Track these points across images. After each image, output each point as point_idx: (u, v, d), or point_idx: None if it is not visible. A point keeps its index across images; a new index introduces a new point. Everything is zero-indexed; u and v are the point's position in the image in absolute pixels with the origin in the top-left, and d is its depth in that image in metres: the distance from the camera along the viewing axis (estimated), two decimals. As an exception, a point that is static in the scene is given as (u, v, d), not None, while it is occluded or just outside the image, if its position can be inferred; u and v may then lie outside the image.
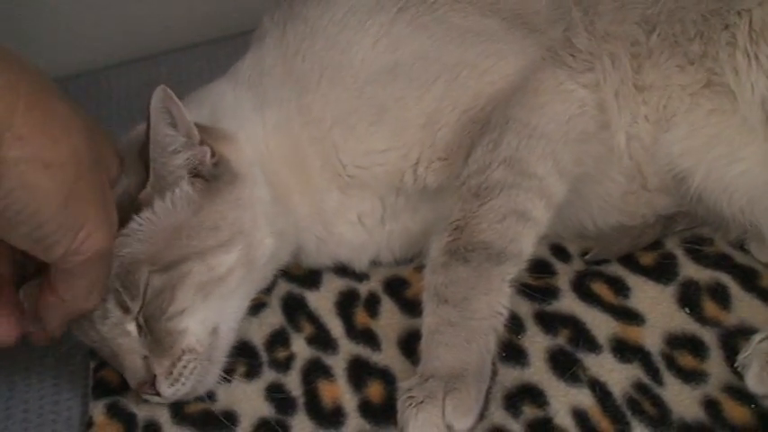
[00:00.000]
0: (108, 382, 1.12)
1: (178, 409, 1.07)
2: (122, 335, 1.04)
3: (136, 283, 1.02)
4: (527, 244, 1.08)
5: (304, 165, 1.16)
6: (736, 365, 1.05)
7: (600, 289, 1.16)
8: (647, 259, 1.20)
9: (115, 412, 1.08)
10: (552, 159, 1.10)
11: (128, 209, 1.03)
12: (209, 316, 1.07)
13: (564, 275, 1.19)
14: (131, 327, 1.04)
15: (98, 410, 1.08)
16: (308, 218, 1.18)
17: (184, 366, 1.04)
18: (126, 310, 1.03)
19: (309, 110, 1.15)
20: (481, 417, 1.01)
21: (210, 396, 1.08)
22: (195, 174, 1.07)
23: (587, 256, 1.21)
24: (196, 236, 1.06)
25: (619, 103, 1.16)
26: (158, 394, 1.04)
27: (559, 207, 1.12)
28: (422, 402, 0.98)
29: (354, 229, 1.20)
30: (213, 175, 1.09)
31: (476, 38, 1.15)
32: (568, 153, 1.11)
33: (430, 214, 1.18)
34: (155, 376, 1.04)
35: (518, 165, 1.08)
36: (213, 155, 1.09)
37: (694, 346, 1.08)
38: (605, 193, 1.20)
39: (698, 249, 1.20)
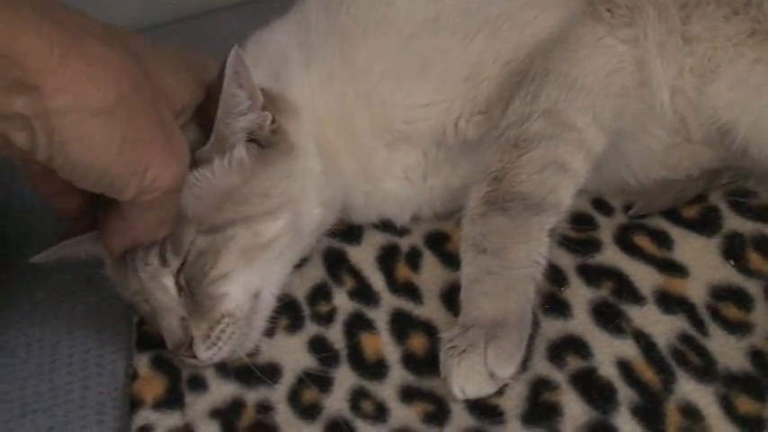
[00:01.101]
0: (151, 335, 1.12)
1: (222, 363, 1.07)
2: (161, 290, 1.04)
3: (180, 240, 1.02)
4: (566, 195, 1.07)
5: (351, 124, 1.15)
6: (782, 317, 1.04)
7: (643, 242, 1.16)
8: (690, 212, 1.19)
9: (159, 365, 1.09)
10: (592, 112, 1.09)
11: None
12: (252, 281, 1.07)
13: (606, 228, 1.18)
14: (169, 282, 1.04)
15: (142, 363, 1.09)
16: (355, 176, 1.17)
17: (222, 331, 1.04)
18: (164, 262, 1.03)
19: (354, 63, 1.14)
20: (524, 366, 1.02)
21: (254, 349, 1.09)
22: (251, 139, 1.07)
23: (631, 212, 1.20)
24: (245, 201, 1.05)
25: (663, 56, 1.14)
26: (195, 357, 1.04)
27: (598, 160, 1.11)
28: (464, 351, 0.99)
29: (401, 183, 1.19)
30: (269, 143, 1.08)
31: None
32: (608, 106, 1.11)
33: (470, 170, 1.16)
34: (192, 339, 1.04)
35: (557, 116, 1.08)
36: (273, 122, 1.08)
37: (739, 297, 1.07)
38: (647, 149, 1.19)
39: (742, 202, 1.18)
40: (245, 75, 1.03)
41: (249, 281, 1.06)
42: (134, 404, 1.05)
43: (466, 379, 0.99)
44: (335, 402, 1.03)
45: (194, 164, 1.03)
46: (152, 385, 1.07)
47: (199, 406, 1.04)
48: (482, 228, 1.05)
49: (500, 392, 1.01)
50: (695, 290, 1.09)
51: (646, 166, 1.21)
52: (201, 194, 1.03)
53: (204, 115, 1.04)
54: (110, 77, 0.85)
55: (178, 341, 1.04)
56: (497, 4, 1.14)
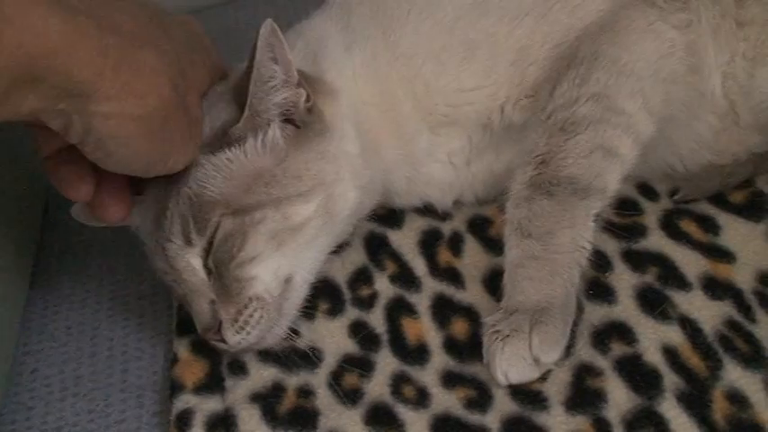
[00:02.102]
0: (192, 319, 1.11)
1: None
2: (188, 270, 1.03)
3: (205, 221, 1.01)
4: (612, 180, 1.06)
5: (393, 107, 1.13)
6: (831, 303, 1.02)
7: (689, 227, 1.14)
8: (737, 197, 1.17)
9: (200, 349, 1.08)
10: (641, 97, 1.07)
11: (220, 143, 1.03)
12: (283, 265, 1.05)
13: (652, 214, 1.17)
14: (197, 263, 1.03)
15: (183, 347, 1.09)
16: (397, 160, 1.16)
17: (251, 315, 1.02)
18: (188, 241, 1.02)
19: (398, 45, 1.12)
20: (568, 352, 1.01)
21: (294, 332, 1.07)
22: (287, 119, 1.05)
23: (676, 197, 1.19)
24: (276, 184, 1.03)
25: (717, 41, 1.13)
26: (224, 341, 1.03)
27: (646, 145, 1.09)
28: (508, 336, 0.98)
29: (444, 168, 1.18)
30: (304, 122, 1.06)
31: None
32: (658, 92, 1.09)
33: (513, 155, 1.15)
34: (220, 322, 1.02)
35: (606, 100, 1.06)
36: (308, 100, 1.06)
37: (788, 283, 1.06)
38: (696, 134, 1.18)
39: (790, 187, 1.17)
40: (280, 48, 1.01)
41: (279, 265, 1.05)
42: (175, 388, 1.05)
43: (509, 364, 0.98)
44: (377, 387, 1.03)
45: (228, 143, 1.03)
46: (192, 369, 1.06)
47: (239, 390, 1.04)
48: (527, 212, 1.03)
49: (543, 378, 0.99)
50: (742, 275, 1.07)
51: (694, 151, 1.20)
52: (232, 176, 1.02)
53: (241, 93, 1.04)
54: (153, 86, 0.88)
55: (207, 324, 1.03)
56: None
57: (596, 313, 1.05)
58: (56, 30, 0.78)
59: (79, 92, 0.81)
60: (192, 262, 1.03)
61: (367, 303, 1.13)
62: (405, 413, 0.99)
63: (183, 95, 0.93)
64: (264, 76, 1.01)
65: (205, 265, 1.03)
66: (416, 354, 1.06)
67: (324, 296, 1.12)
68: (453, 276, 1.14)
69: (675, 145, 1.19)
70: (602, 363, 1.00)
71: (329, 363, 1.06)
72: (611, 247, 1.12)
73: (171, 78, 0.90)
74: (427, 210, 1.23)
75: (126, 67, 0.85)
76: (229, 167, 1.02)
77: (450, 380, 1.02)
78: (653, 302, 1.05)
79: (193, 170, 1.01)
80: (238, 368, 1.06)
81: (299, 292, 1.08)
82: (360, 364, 1.05)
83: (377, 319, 1.10)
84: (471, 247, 1.18)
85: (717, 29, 1.12)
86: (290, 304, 1.07)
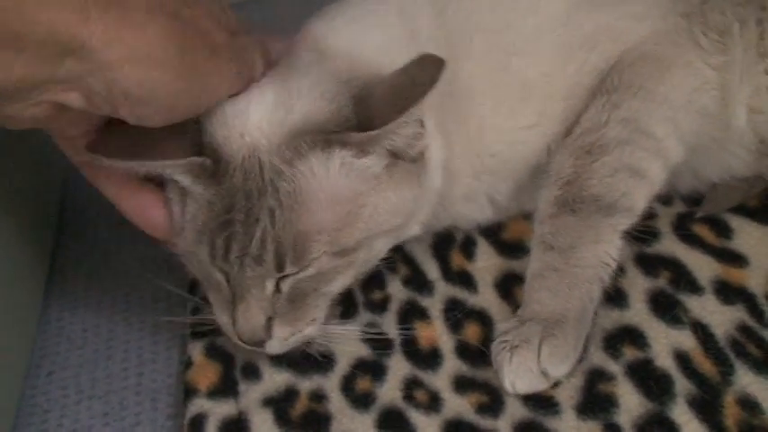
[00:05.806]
0: (206, 323, 1.10)
1: (276, 351, 1.07)
2: (258, 288, 0.97)
3: (306, 253, 0.95)
4: (639, 199, 1.06)
5: (446, 143, 1.06)
6: (844, 308, 1.01)
7: (701, 231, 1.15)
8: (751, 201, 1.17)
9: (213, 353, 1.09)
10: (673, 124, 1.07)
11: (314, 141, 0.94)
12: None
13: (664, 218, 1.17)
14: (271, 284, 0.97)
15: (197, 351, 1.09)
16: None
17: (303, 335, 1.02)
18: (280, 268, 0.95)
19: (457, 77, 1.04)
20: (580, 363, 1.01)
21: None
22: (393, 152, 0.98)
23: (699, 214, 1.18)
24: (377, 217, 0.98)
25: (741, 75, 1.11)
26: (264, 350, 1.01)
27: (675, 169, 1.10)
28: (517, 346, 0.98)
29: (480, 209, 1.16)
30: (413, 159, 1.00)
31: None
32: (689, 122, 1.09)
33: None
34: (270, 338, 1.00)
35: (635, 123, 1.06)
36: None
37: (801, 288, 1.05)
38: (726, 166, 1.18)
39: (805, 191, 1.16)
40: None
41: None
42: (188, 392, 1.05)
43: (516, 375, 0.98)
44: (389, 391, 1.03)
45: (328, 142, 0.94)
46: (206, 373, 1.07)
47: (252, 394, 1.04)
48: (550, 227, 1.04)
49: (555, 383, 1.00)
50: (755, 280, 1.07)
51: (724, 180, 1.19)
52: (333, 203, 0.95)
53: (365, 100, 0.95)
54: (149, 17, 0.82)
55: (257, 339, 0.99)
56: (594, 18, 1.10)
57: (608, 318, 1.05)
58: None
59: (73, 45, 0.77)
60: (266, 283, 0.97)
61: (380, 307, 1.13)
62: (416, 418, 1.00)
63: (192, 21, 0.87)
64: (414, 114, 0.93)
65: (275, 285, 0.98)
66: (429, 358, 1.06)
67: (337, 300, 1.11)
68: (466, 280, 1.14)
69: (706, 176, 1.19)
70: (614, 367, 1.00)
71: (342, 367, 1.06)
72: (624, 251, 1.11)
73: (165, 12, 0.84)
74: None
75: (114, 5, 0.79)
76: (323, 178, 0.95)
77: (462, 385, 1.02)
78: (665, 307, 1.05)
79: (278, 176, 0.94)
80: (252, 372, 1.06)
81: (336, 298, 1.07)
82: (372, 369, 1.05)
83: (389, 323, 1.11)
84: (484, 251, 1.18)
85: (742, 62, 1.11)
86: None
